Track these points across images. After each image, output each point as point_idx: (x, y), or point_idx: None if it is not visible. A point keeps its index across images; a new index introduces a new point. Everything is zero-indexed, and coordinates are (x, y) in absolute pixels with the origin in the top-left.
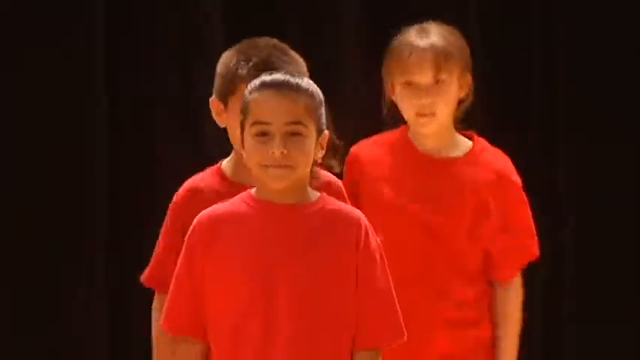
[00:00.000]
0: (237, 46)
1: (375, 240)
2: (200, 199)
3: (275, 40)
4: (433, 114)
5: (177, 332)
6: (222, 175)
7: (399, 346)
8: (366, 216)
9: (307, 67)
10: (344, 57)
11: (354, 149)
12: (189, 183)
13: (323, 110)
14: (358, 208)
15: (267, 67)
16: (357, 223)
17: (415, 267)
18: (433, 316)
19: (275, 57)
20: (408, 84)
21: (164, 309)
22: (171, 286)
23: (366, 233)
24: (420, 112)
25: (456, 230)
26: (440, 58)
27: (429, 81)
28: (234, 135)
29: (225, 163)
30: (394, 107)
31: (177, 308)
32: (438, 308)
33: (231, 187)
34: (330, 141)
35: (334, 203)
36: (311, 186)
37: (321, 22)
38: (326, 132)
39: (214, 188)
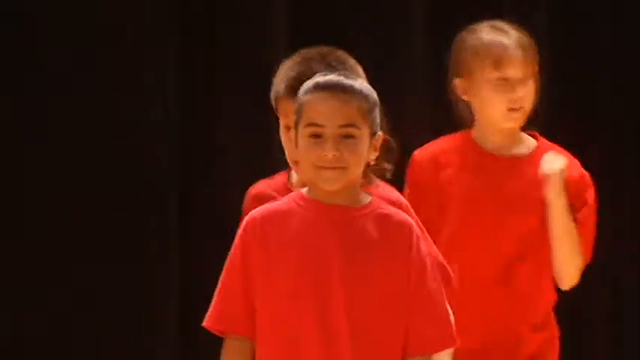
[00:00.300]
0: (294, 57)
1: (425, 245)
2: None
3: (331, 57)
4: (523, 108)
5: (226, 330)
6: (286, 183)
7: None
8: (435, 219)
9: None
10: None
11: (417, 154)
12: (256, 189)
13: (377, 112)
14: (425, 212)
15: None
16: (408, 228)
17: (490, 265)
18: (507, 314)
19: None
20: (501, 80)
21: (213, 302)
22: (220, 283)
23: (417, 238)
24: (512, 106)
25: (528, 226)
26: (528, 52)
27: (520, 75)
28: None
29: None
30: (463, 107)
31: (226, 305)
32: (511, 307)
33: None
34: (384, 143)
35: (385, 207)
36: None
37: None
38: (379, 134)
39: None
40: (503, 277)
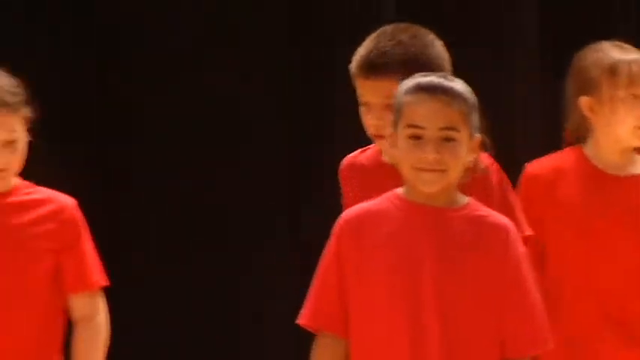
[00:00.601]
0: (376, 32)
1: (521, 247)
2: (355, 173)
3: (405, 34)
4: None
5: (320, 327)
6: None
7: None
8: (553, 236)
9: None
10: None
11: (530, 168)
12: (347, 158)
13: (476, 114)
14: (542, 228)
15: (371, 67)
16: (504, 230)
17: (605, 287)
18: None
19: (393, 51)
20: (631, 97)
21: (307, 299)
22: (315, 281)
23: (513, 240)
24: None
25: None
26: None
27: None
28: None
29: None
30: (577, 124)
31: (321, 303)
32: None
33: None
34: (481, 144)
35: (481, 209)
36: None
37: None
38: (477, 135)
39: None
40: (619, 301)
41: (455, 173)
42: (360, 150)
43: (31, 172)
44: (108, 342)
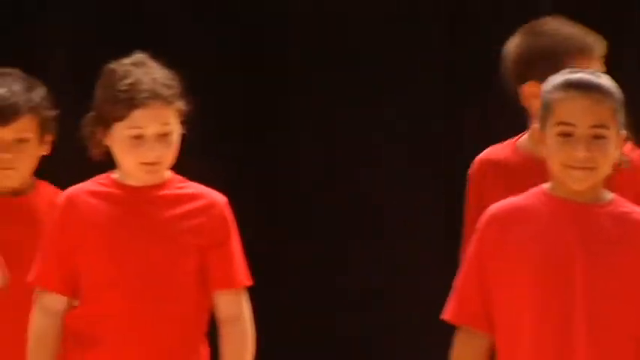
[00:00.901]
0: (543, 24)
1: None
2: (494, 171)
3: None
4: None
5: (464, 323)
6: (515, 149)
7: None
8: None
9: None
10: None
11: None
12: (484, 154)
13: (622, 110)
14: None
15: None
16: None
17: None
18: None
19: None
20: None
21: (452, 295)
22: (460, 274)
23: None
24: None
25: None
26: None
27: None
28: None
29: (522, 140)
30: None
31: (464, 298)
32: None
33: (524, 160)
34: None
35: (626, 205)
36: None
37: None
38: (623, 132)
39: (508, 161)
40: None
41: (605, 171)
42: (495, 146)
43: (184, 166)
44: (255, 341)
